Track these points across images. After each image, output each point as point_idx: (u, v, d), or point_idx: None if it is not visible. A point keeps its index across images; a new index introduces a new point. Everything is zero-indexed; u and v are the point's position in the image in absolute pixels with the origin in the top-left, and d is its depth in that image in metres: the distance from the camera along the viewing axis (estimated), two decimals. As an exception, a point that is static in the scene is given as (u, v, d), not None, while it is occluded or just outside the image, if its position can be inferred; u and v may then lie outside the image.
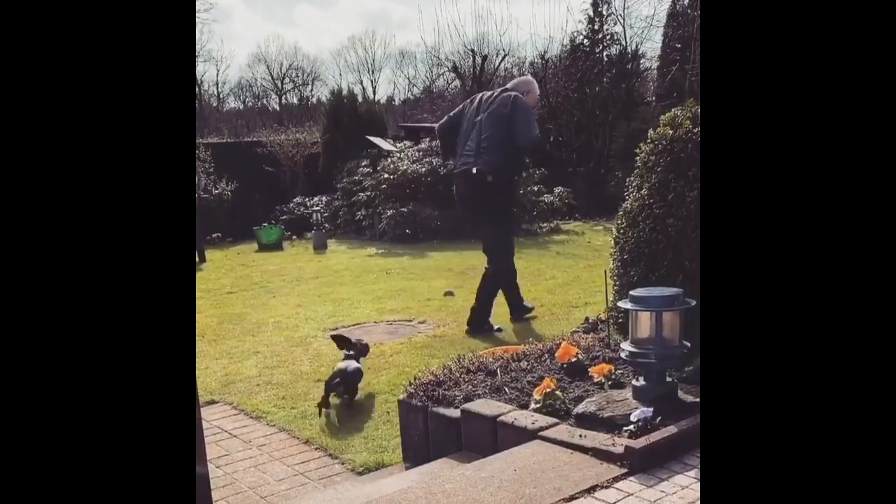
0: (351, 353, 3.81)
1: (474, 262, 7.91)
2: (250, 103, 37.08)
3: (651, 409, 2.39)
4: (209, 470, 2.42)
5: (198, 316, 5.09)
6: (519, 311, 5.12)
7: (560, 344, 3.12)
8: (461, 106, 5.09)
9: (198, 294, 5.23)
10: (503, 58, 16.06)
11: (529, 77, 5.63)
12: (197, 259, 8.85)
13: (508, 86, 5.02)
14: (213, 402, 3.82)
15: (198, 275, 7.90)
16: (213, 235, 11.15)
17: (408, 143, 12.07)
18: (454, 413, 2.73)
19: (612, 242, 3.23)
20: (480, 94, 4.98)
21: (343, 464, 3.00)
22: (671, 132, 2.96)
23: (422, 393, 2.91)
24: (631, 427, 2.33)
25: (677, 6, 14.09)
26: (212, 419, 3.56)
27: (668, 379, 2.55)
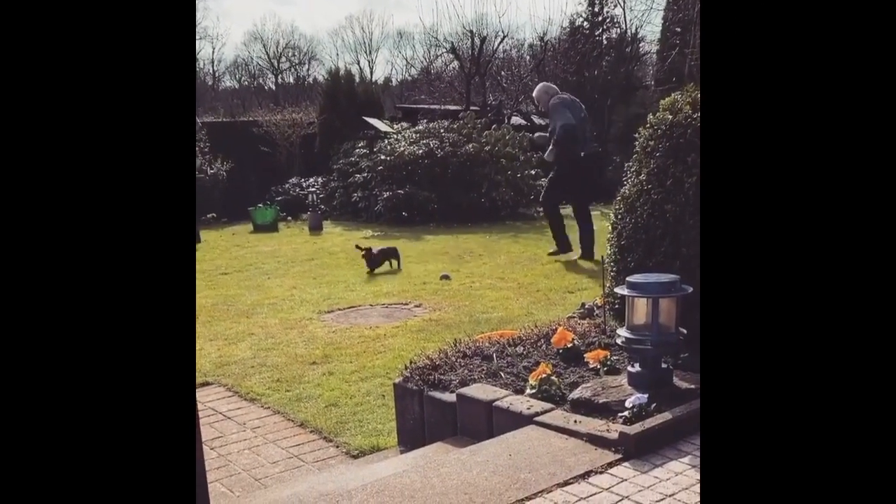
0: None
1: (471, 245, 7.91)
2: (246, 82, 36.90)
3: (646, 396, 2.39)
4: (203, 452, 2.41)
5: (193, 297, 5.12)
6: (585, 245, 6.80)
7: (556, 329, 3.12)
8: (565, 109, 6.61)
9: (193, 275, 5.23)
10: (502, 39, 15.97)
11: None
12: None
13: (549, 93, 6.84)
14: (207, 384, 3.81)
15: (193, 255, 7.85)
16: (208, 216, 11.12)
17: (405, 124, 12.01)
18: (450, 397, 2.73)
19: (610, 228, 3.21)
20: (567, 98, 6.79)
21: (338, 447, 3.00)
22: (670, 117, 2.93)
23: (417, 377, 2.91)
24: (626, 413, 2.34)
25: (678, -11, 13.98)
26: (206, 401, 3.56)
27: (664, 365, 2.55)
